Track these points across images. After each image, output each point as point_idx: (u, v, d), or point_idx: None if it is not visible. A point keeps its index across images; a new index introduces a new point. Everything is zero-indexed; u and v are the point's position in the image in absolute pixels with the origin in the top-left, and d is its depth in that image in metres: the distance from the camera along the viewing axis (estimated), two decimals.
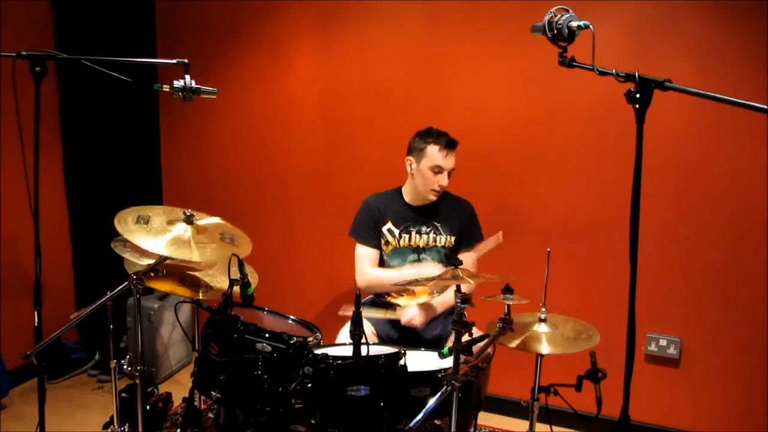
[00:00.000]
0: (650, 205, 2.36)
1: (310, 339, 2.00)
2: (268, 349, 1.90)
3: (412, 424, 1.58)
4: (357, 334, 1.71)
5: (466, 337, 1.64)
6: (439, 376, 1.75)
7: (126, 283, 1.93)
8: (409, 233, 2.44)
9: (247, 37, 3.26)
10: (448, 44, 2.89)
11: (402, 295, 2.48)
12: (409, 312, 2.33)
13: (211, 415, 2.64)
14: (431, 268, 2.36)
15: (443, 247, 2.45)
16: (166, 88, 1.86)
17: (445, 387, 1.59)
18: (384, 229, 2.46)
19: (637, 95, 1.32)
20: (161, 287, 2.20)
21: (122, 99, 3.27)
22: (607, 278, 2.73)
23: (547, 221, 2.84)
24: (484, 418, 2.88)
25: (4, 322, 2.95)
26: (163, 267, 2.01)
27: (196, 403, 2.33)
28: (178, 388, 3.09)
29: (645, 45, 2.59)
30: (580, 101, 2.71)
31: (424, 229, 2.44)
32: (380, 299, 2.52)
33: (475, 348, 1.72)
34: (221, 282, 2.24)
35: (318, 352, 1.85)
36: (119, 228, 1.93)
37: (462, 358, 1.63)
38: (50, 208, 3.22)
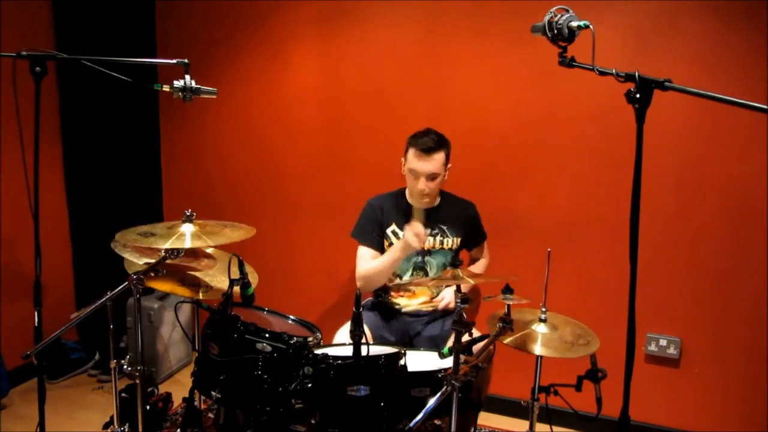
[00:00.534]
0: (650, 205, 2.36)
1: (310, 339, 1.99)
2: (268, 349, 1.90)
3: (412, 424, 1.58)
4: (357, 334, 1.71)
5: (466, 337, 1.64)
6: (439, 376, 1.75)
7: (126, 283, 1.93)
8: None
9: (247, 37, 3.26)
10: (448, 44, 2.89)
11: (402, 296, 2.49)
12: (446, 296, 2.41)
13: (211, 415, 2.64)
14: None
15: (450, 249, 2.44)
16: (166, 88, 1.86)
17: (445, 387, 1.59)
18: (389, 231, 2.45)
19: (637, 95, 1.32)
20: (161, 287, 2.19)
21: (122, 99, 3.27)
22: (607, 278, 2.73)
23: (547, 221, 2.84)
24: (484, 418, 2.88)
25: (4, 322, 2.94)
26: (163, 267, 2.00)
27: (196, 403, 2.33)
28: (178, 388, 3.09)
29: (645, 45, 2.59)
30: (581, 101, 2.71)
31: (429, 231, 2.43)
32: (379, 300, 2.53)
33: (475, 348, 1.72)
34: (221, 282, 2.24)
35: (318, 352, 1.85)
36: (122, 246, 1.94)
37: (462, 358, 1.63)
38: (50, 208, 3.21)
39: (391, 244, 2.44)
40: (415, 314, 2.46)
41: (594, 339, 1.86)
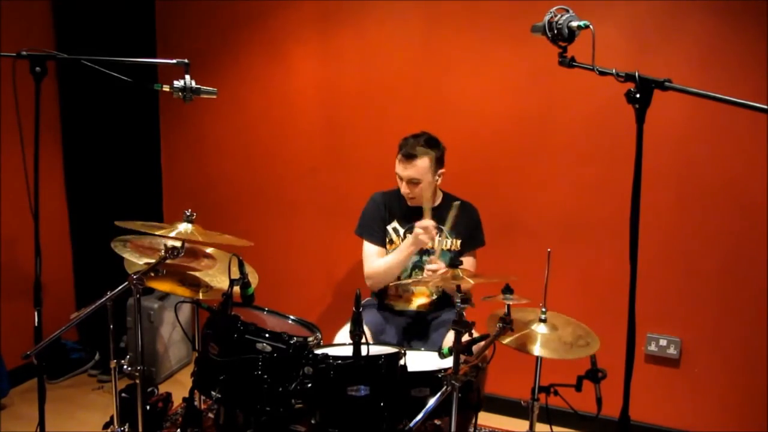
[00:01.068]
0: (650, 205, 2.36)
1: (310, 339, 2.00)
2: (268, 349, 1.90)
3: (412, 424, 1.58)
4: (357, 334, 1.71)
5: (466, 337, 1.64)
6: (439, 376, 1.75)
7: (126, 283, 1.93)
8: None
9: (247, 37, 3.26)
10: (448, 44, 2.89)
11: (401, 297, 2.48)
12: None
13: (211, 415, 2.64)
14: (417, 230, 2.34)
15: (449, 250, 2.44)
16: (166, 88, 1.86)
17: (445, 387, 1.59)
18: (389, 228, 2.45)
19: (637, 95, 1.32)
20: (161, 287, 2.20)
21: (122, 99, 3.27)
22: (607, 278, 2.73)
23: (547, 221, 2.84)
24: (484, 418, 2.88)
25: (4, 322, 2.94)
26: (163, 267, 2.01)
27: (196, 403, 2.33)
28: (178, 388, 3.09)
29: (645, 45, 2.59)
30: (581, 101, 2.71)
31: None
32: (378, 300, 2.53)
33: (476, 348, 1.72)
34: (221, 282, 2.24)
35: (318, 352, 1.85)
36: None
37: (462, 358, 1.63)
38: (50, 208, 3.21)
39: (391, 241, 2.44)
40: (414, 314, 2.46)
41: (594, 340, 1.86)
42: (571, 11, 1.41)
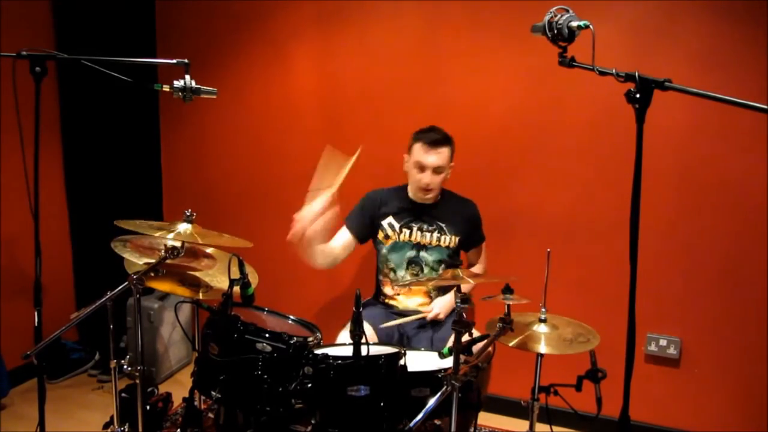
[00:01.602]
0: (650, 205, 2.35)
1: (310, 339, 2.00)
2: (268, 349, 1.90)
3: (412, 424, 1.58)
4: (357, 334, 1.71)
5: (466, 337, 1.64)
6: (439, 376, 1.75)
7: (126, 283, 1.93)
8: (410, 228, 2.44)
9: (247, 37, 3.26)
10: (448, 44, 2.89)
11: (399, 294, 2.49)
12: (435, 307, 2.39)
13: (211, 415, 2.64)
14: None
15: (447, 247, 2.45)
16: (166, 88, 1.86)
17: (445, 387, 1.59)
18: (384, 223, 2.46)
19: (637, 95, 1.32)
20: (161, 287, 2.19)
21: (122, 99, 3.27)
22: (607, 278, 2.73)
23: (547, 221, 2.84)
24: (484, 418, 2.88)
25: (4, 322, 2.94)
26: (163, 267, 2.01)
27: (196, 403, 2.33)
28: (178, 388, 3.09)
29: (645, 45, 2.59)
30: (580, 101, 2.71)
31: (426, 227, 2.44)
32: (377, 299, 2.53)
33: (476, 348, 1.72)
34: (221, 282, 2.24)
35: (318, 352, 1.85)
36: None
37: (462, 358, 1.63)
38: (50, 208, 3.21)
39: (387, 236, 2.45)
40: (413, 314, 2.46)
41: (595, 336, 1.86)
42: (571, 11, 1.41)
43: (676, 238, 2.66)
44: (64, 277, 3.39)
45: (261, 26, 3.22)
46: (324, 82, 3.15)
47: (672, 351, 2.71)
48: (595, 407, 1.74)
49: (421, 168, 2.34)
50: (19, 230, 2.94)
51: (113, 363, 2.09)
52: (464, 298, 1.62)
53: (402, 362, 1.83)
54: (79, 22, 3.15)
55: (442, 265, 2.45)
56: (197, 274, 2.20)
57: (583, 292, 2.81)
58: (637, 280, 1.39)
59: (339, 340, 2.28)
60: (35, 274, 1.90)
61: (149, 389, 2.69)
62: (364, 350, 1.73)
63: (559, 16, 1.40)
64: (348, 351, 1.80)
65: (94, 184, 3.34)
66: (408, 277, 2.45)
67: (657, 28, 2.57)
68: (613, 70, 1.36)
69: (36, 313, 1.91)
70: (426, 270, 2.45)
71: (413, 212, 2.45)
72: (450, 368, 1.63)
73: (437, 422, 2.13)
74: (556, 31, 1.40)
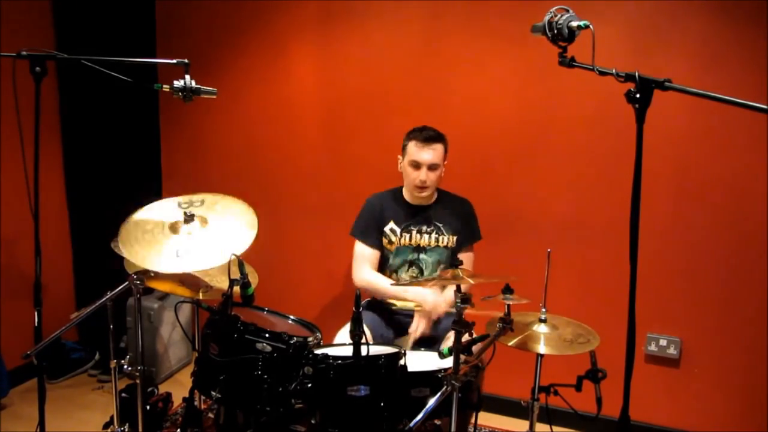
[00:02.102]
0: (650, 205, 2.36)
1: (310, 339, 2.00)
2: (268, 349, 1.90)
3: (412, 424, 1.59)
4: (357, 334, 1.71)
5: (466, 337, 1.64)
6: (439, 376, 1.75)
7: (126, 283, 1.93)
8: (410, 232, 2.44)
9: (247, 37, 3.26)
10: (448, 44, 2.89)
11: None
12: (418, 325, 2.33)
13: (211, 415, 2.64)
14: (428, 292, 2.35)
15: (446, 247, 2.45)
16: (166, 88, 1.86)
17: (445, 387, 1.59)
18: (386, 229, 2.46)
19: (637, 95, 1.32)
20: (161, 287, 2.19)
21: (122, 99, 3.26)
22: (607, 278, 2.73)
23: (547, 221, 2.84)
24: (484, 418, 2.88)
25: (4, 322, 2.94)
26: None
27: (196, 403, 2.33)
28: (178, 388, 3.09)
29: (645, 45, 2.59)
30: (580, 101, 2.71)
31: (425, 228, 2.44)
32: (376, 300, 2.53)
33: (476, 348, 1.72)
34: (221, 282, 2.24)
35: (318, 352, 1.85)
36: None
37: (462, 358, 1.63)
38: (50, 208, 3.22)
39: (390, 241, 2.45)
40: (412, 314, 2.46)
41: (595, 337, 1.86)
42: (571, 11, 1.41)
43: (676, 237, 2.66)
44: (64, 277, 3.39)
45: (261, 26, 3.22)
46: (324, 82, 3.15)
47: (672, 351, 2.71)
48: (595, 407, 1.74)
49: (417, 166, 2.34)
50: (19, 230, 2.94)
51: (113, 363, 2.10)
52: (464, 298, 1.62)
53: (402, 362, 1.83)
54: (79, 22, 3.15)
55: (441, 266, 2.45)
56: (197, 274, 2.19)
57: (583, 292, 2.81)
58: (637, 280, 1.39)
59: (337, 341, 2.28)
60: (35, 274, 1.90)
61: (149, 389, 2.69)
62: (364, 350, 1.73)
63: (559, 16, 1.40)
64: (348, 351, 1.80)
65: (94, 184, 3.34)
66: (408, 280, 2.45)
67: (657, 28, 2.57)
68: (613, 70, 1.36)
69: (36, 313, 1.91)
70: (426, 272, 2.45)
71: (411, 215, 2.45)
72: (450, 368, 1.63)
73: (437, 422, 2.13)
74: (556, 31, 1.40)
